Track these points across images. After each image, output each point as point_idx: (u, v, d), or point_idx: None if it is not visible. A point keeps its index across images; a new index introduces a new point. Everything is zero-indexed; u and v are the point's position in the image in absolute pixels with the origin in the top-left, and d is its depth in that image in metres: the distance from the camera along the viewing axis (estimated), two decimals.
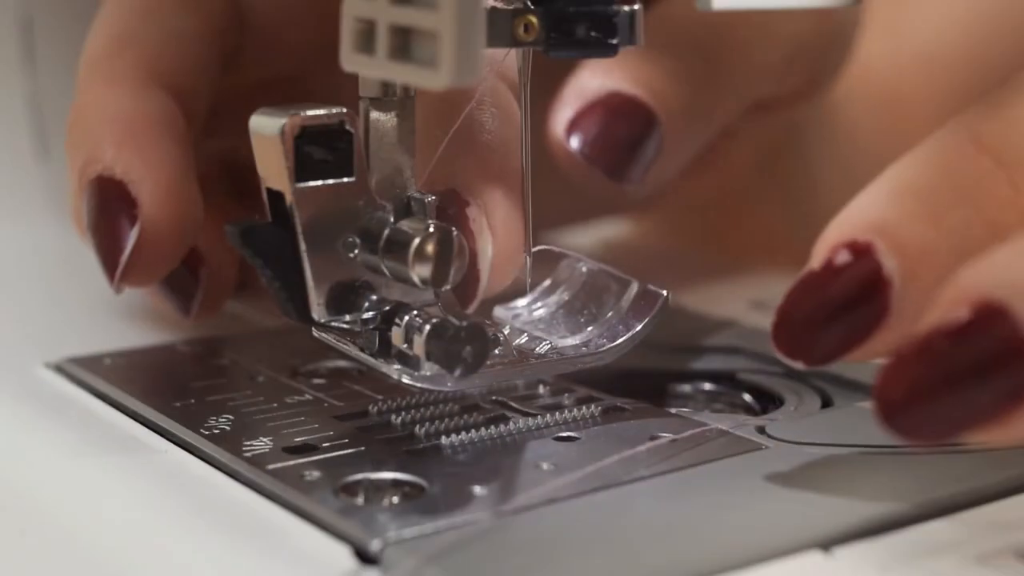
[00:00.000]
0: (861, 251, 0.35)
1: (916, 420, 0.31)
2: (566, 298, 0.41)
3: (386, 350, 0.37)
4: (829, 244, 0.35)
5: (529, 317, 0.41)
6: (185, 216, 0.43)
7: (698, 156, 0.53)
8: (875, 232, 0.35)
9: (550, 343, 0.40)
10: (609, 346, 0.39)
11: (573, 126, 0.48)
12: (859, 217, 0.36)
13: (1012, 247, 0.31)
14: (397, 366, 0.37)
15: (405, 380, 0.37)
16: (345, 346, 0.38)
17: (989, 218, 0.35)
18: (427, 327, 0.36)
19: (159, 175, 0.43)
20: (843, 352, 0.35)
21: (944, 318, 0.31)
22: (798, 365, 0.35)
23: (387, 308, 0.37)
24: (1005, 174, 0.35)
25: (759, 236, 0.72)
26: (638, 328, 0.39)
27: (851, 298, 0.35)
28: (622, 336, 0.40)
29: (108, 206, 0.43)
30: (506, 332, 0.39)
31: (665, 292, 0.40)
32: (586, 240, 0.64)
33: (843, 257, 0.35)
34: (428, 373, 0.37)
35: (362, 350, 0.38)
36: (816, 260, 0.36)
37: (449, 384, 0.37)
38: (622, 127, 0.48)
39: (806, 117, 0.65)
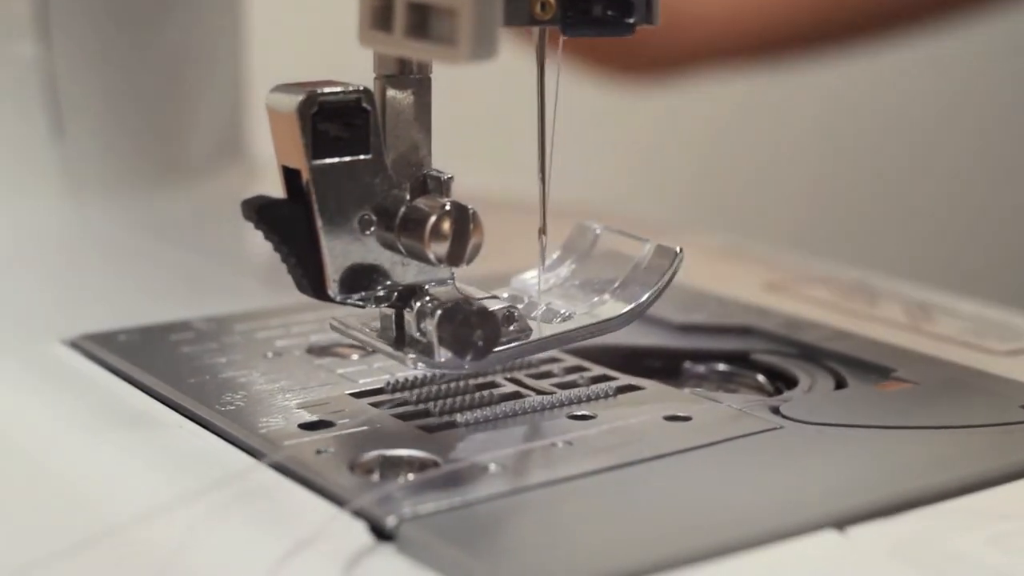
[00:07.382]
0: None
1: None
2: (581, 264, 0.41)
3: (401, 337, 0.38)
4: None
5: (546, 286, 0.41)
6: None
7: None
8: None
9: (567, 312, 0.40)
10: (626, 309, 0.39)
11: None
12: None
13: None
14: (412, 354, 0.37)
15: (421, 367, 0.37)
16: (363, 336, 0.38)
17: None
18: (438, 312, 0.36)
19: None
20: None
21: None
22: None
23: (400, 287, 0.38)
24: None
25: None
26: (654, 287, 0.39)
27: None
28: (639, 297, 0.39)
29: None
30: (521, 306, 0.39)
31: (679, 248, 0.39)
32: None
33: None
34: (442, 359, 0.37)
35: (379, 339, 0.38)
36: None
37: (465, 368, 0.37)
38: None
39: None
